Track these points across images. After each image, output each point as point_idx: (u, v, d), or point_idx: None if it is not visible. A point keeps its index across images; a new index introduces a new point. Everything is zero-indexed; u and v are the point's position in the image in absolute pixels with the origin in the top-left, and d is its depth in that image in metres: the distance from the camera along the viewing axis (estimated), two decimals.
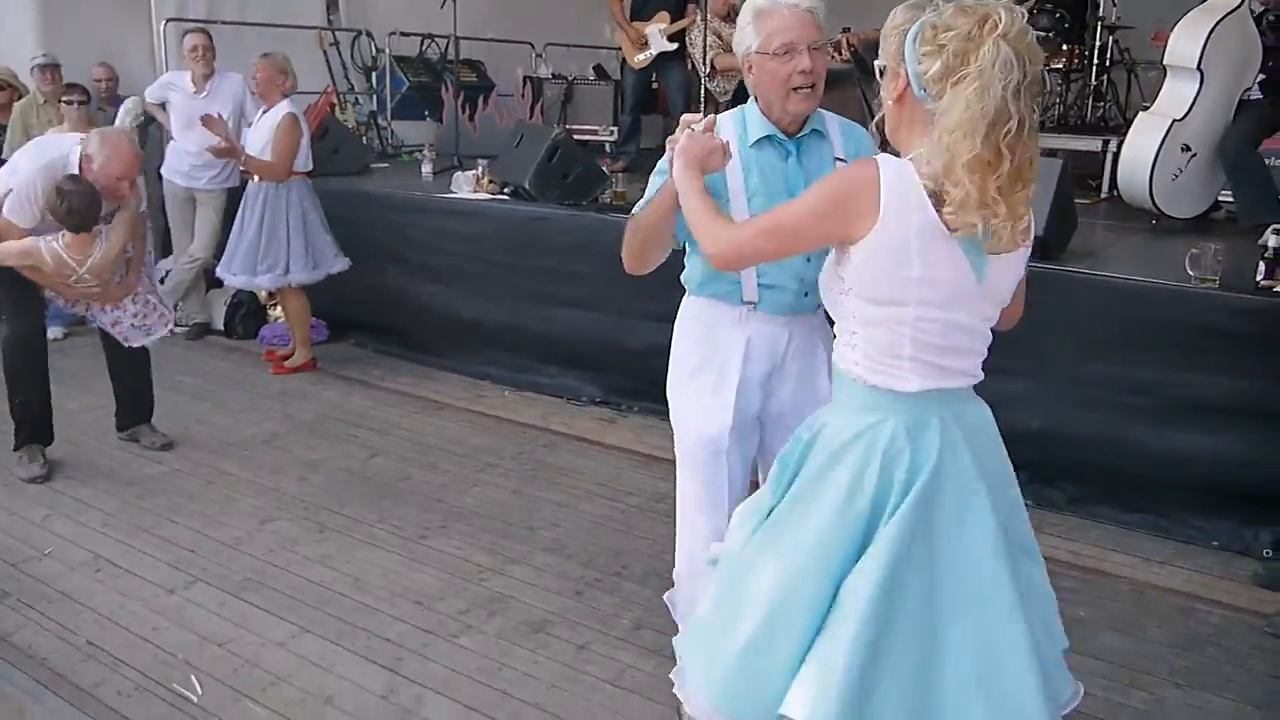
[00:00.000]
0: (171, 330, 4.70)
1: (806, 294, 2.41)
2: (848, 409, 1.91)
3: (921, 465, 1.81)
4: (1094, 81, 7.89)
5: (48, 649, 3.13)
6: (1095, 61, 7.81)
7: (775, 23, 2.30)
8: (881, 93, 1.85)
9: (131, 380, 4.70)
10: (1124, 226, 5.51)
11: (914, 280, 1.76)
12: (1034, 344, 4.04)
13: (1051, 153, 6.73)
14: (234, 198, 6.44)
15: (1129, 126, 5.80)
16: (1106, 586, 3.63)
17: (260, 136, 5.65)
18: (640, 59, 7.21)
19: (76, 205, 4.02)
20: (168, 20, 7.47)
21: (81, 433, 4.80)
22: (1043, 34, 7.51)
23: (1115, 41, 7.90)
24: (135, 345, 4.52)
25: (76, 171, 4.09)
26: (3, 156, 6.16)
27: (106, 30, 7.38)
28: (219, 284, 6.84)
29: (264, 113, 5.76)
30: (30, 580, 3.54)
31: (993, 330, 1.92)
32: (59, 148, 4.18)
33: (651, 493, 4.32)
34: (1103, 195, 6.49)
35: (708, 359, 2.51)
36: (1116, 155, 5.89)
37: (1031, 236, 1.85)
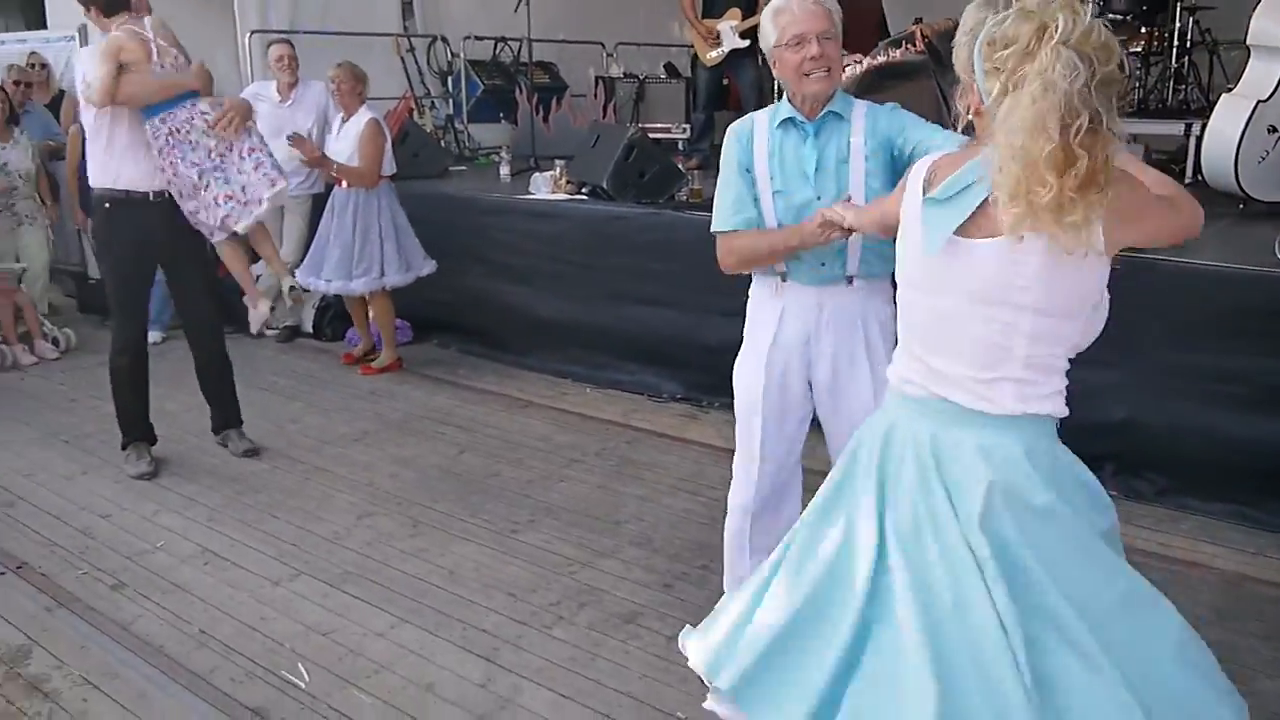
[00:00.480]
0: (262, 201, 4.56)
1: (823, 264, 2.62)
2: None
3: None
4: (1174, 64, 7.72)
5: (164, 637, 3.30)
6: (1175, 43, 7.64)
7: (787, 17, 2.58)
8: (958, 105, 1.84)
9: (216, 385, 4.84)
10: (1209, 212, 5.33)
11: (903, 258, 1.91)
12: (1119, 333, 3.97)
13: (1132, 138, 6.65)
14: (319, 203, 6.64)
15: (1212, 109, 5.69)
16: (1197, 578, 3.60)
17: (346, 144, 5.82)
18: (713, 56, 7.24)
19: None
20: (252, 32, 7.70)
21: (184, 431, 5.00)
22: (1120, 17, 7.39)
23: (1196, 22, 7.73)
24: (239, 226, 4.47)
25: None
26: None
27: (194, 42, 7.49)
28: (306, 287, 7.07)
29: (344, 120, 5.93)
30: (144, 572, 3.72)
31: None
32: None
33: None
34: (1186, 180, 6.37)
35: (752, 328, 2.79)
36: (1200, 139, 5.78)
37: (1094, 245, 1.68)
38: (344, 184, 5.86)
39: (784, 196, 2.62)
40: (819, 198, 2.57)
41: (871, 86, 5.79)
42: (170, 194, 4.35)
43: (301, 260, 6.65)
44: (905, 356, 1.90)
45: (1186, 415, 4.01)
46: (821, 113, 2.61)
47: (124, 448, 4.63)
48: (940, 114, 4.45)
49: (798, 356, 2.72)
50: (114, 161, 4.31)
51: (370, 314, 6.20)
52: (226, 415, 4.87)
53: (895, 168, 2.56)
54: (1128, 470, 4.15)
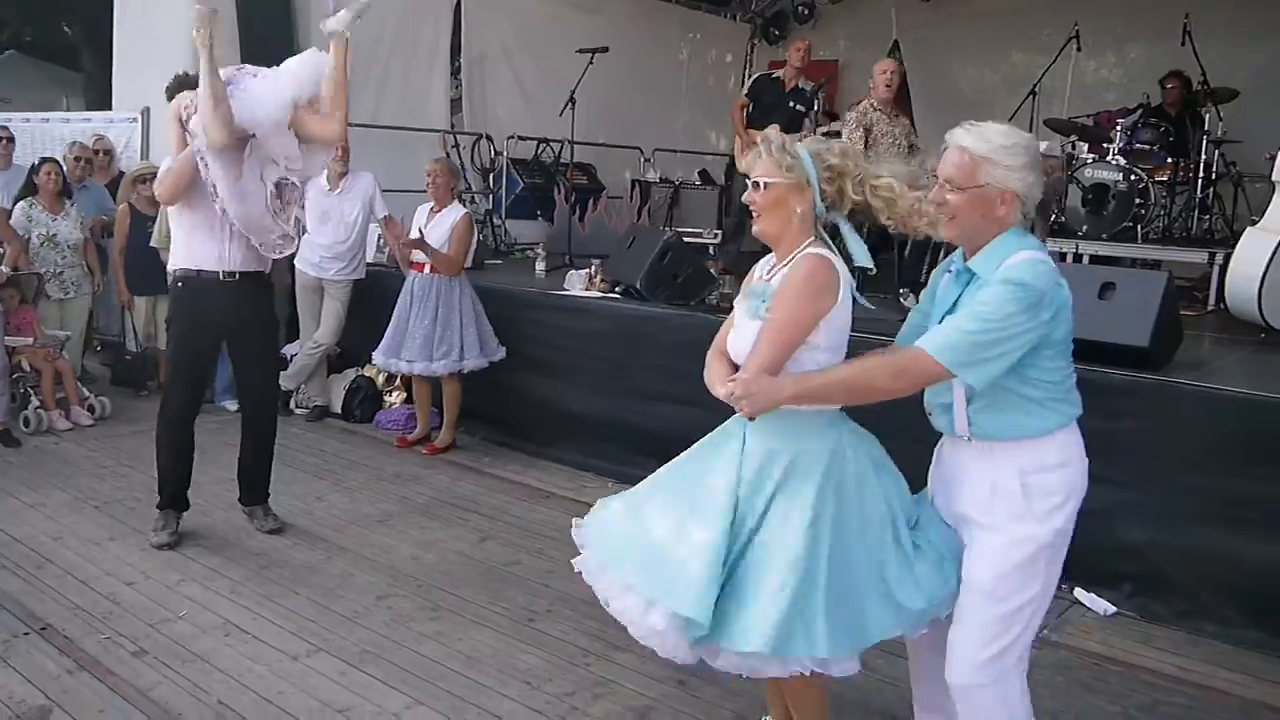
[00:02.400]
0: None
1: (930, 413, 2.64)
2: None
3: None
4: (1199, 194, 7.88)
5: (182, 705, 3.33)
6: (1201, 175, 7.82)
7: None
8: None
9: (255, 462, 4.91)
10: (1231, 339, 5.50)
11: None
12: (1140, 455, 4.07)
13: (1155, 265, 6.77)
14: (359, 289, 6.83)
15: (1236, 239, 5.81)
16: (1215, 704, 3.57)
17: (438, 233, 6.06)
18: (747, 164, 7.46)
19: None
20: None
21: (211, 504, 5.08)
22: (1146, 147, 7.59)
23: (1221, 155, 7.92)
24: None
25: None
26: (154, 245, 6.66)
27: None
28: (338, 369, 7.23)
29: (433, 211, 6.18)
30: (165, 640, 3.76)
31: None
32: None
33: None
34: (1209, 308, 6.47)
35: None
36: (1223, 268, 5.90)
37: None
38: (425, 269, 6.06)
39: None
40: None
41: None
42: (240, 275, 4.53)
43: (336, 341, 6.83)
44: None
45: (1206, 539, 4.02)
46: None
47: (158, 507, 4.72)
48: None
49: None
50: (188, 242, 4.52)
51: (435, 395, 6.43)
52: (257, 492, 4.93)
53: None
54: (1146, 592, 4.15)
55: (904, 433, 2.75)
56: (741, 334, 2.63)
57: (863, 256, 2.62)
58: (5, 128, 7.66)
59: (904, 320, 2.77)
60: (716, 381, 2.62)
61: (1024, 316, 2.31)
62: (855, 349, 2.65)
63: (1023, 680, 2.57)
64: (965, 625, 2.54)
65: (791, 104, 7.40)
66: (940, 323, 2.51)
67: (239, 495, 4.98)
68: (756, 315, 2.58)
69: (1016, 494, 2.44)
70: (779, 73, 7.64)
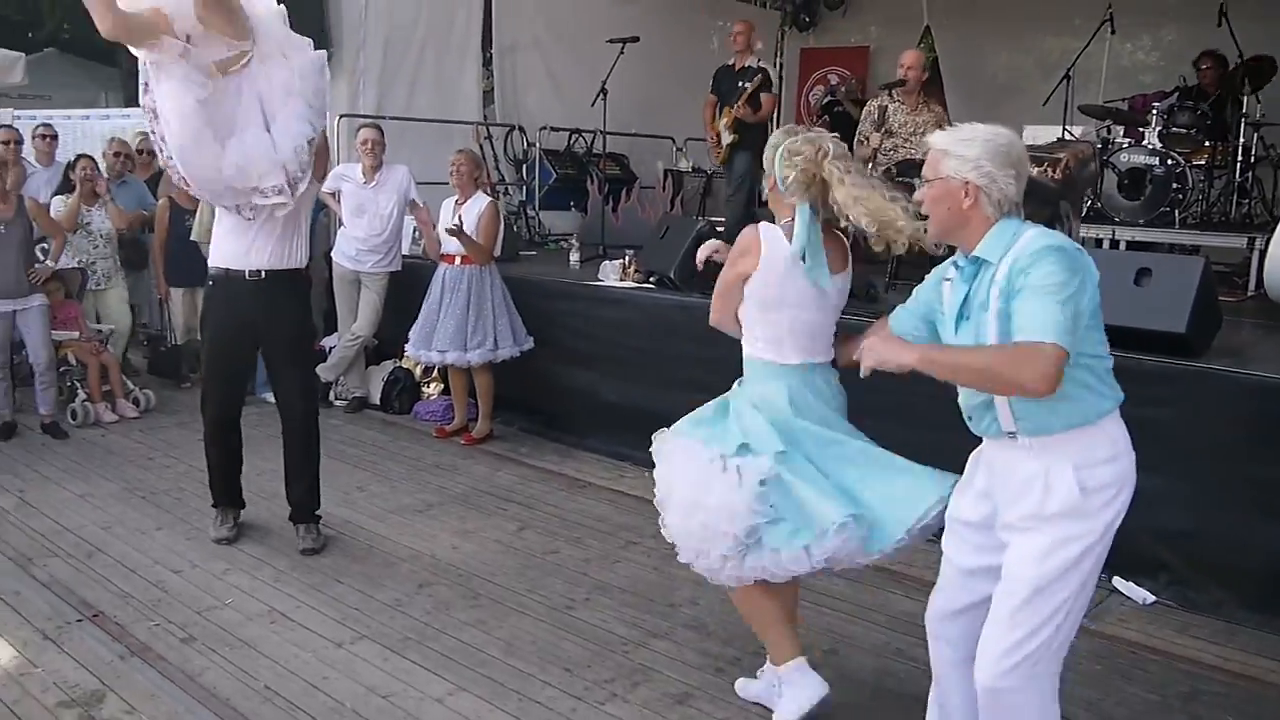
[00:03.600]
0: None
1: (969, 417, 2.62)
2: None
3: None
4: (1238, 179, 7.79)
5: (230, 690, 3.41)
6: (1239, 158, 7.73)
7: None
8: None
9: (298, 466, 4.71)
10: (1271, 325, 5.45)
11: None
12: (1178, 442, 4.05)
13: (1194, 250, 6.71)
14: (395, 281, 6.90)
15: (1276, 224, 5.75)
16: (1254, 693, 3.57)
17: (467, 225, 6.11)
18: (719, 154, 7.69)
19: None
20: (341, 115, 8.09)
21: (256, 494, 5.14)
22: (1184, 131, 7.51)
23: (1260, 138, 7.82)
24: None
25: None
26: (194, 239, 6.77)
27: None
28: (376, 361, 7.31)
29: (458, 202, 6.24)
30: (213, 627, 3.85)
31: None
32: None
33: None
34: (1249, 293, 6.41)
35: None
36: (1263, 253, 5.84)
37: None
38: (456, 261, 6.13)
39: None
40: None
41: None
42: (267, 274, 4.44)
43: (373, 332, 6.92)
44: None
45: (1245, 527, 4.01)
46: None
47: (214, 505, 4.79)
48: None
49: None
50: (220, 242, 4.51)
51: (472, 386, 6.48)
52: (300, 504, 4.73)
53: None
54: (1184, 581, 4.15)
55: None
56: None
57: (799, 239, 3.05)
58: (49, 125, 7.81)
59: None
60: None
61: (1077, 278, 2.32)
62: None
63: (1054, 685, 2.52)
64: (1000, 624, 2.48)
65: (739, 83, 7.47)
66: (957, 324, 2.51)
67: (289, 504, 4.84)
68: None
69: (1073, 490, 2.39)
70: (733, 59, 7.72)
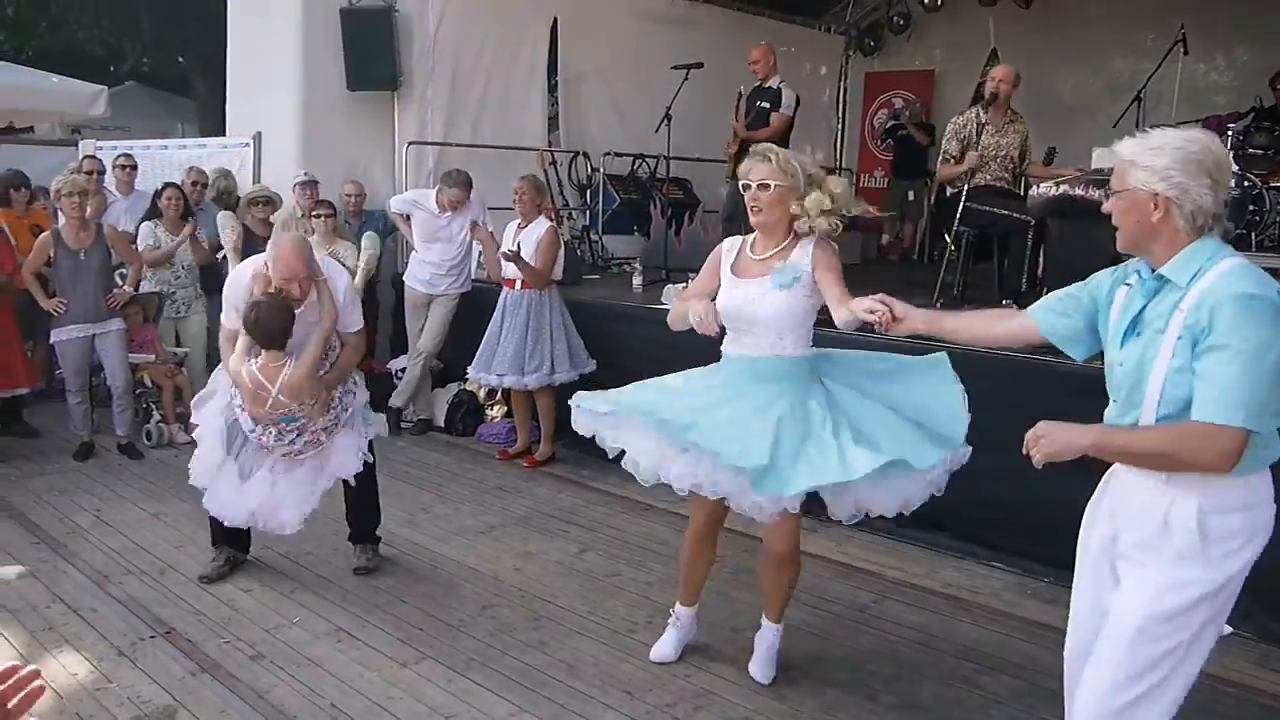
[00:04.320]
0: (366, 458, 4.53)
1: None
2: None
3: None
4: None
5: (297, 708, 3.46)
6: None
7: None
8: None
9: (356, 496, 4.71)
10: None
11: None
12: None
13: (1276, 272, 6.53)
14: (465, 301, 6.99)
15: None
16: None
17: (527, 248, 6.18)
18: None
19: (262, 316, 4.08)
20: (410, 143, 8.25)
21: (323, 515, 5.20)
22: (1259, 151, 7.33)
23: None
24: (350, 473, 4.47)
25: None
26: None
27: (357, 151, 8.20)
28: (440, 384, 7.40)
29: (520, 227, 6.31)
30: (281, 645, 3.92)
31: None
32: (255, 261, 4.41)
33: (851, 602, 4.38)
34: None
35: None
36: None
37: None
38: (516, 285, 6.21)
39: None
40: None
41: (1057, 213, 5.91)
42: None
43: (438, 348, 7.01)
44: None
45: None
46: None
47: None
48: (1117, 259, 4.61)
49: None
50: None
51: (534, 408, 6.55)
52: (357, 526, 4.77)
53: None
54: (1263, 611, 4.01)
55: None
56: (769, 299, 3.42)
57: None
58: (129, 155, 8.04)
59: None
60: (700, 315, 3.44)
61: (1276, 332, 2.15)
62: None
63: None
64: (1101, 666, 2.38)
65: (759, 103, 7.53)
66: (1125, 336, 2.39)
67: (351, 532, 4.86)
68: (787, 287, 3.40)
69: (1193, 533, 2.25)
70: (758, 82, 7.75)
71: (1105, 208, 2.43)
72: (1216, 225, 2.32)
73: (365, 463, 4.53)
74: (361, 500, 4.71)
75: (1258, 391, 2.13)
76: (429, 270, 6.93)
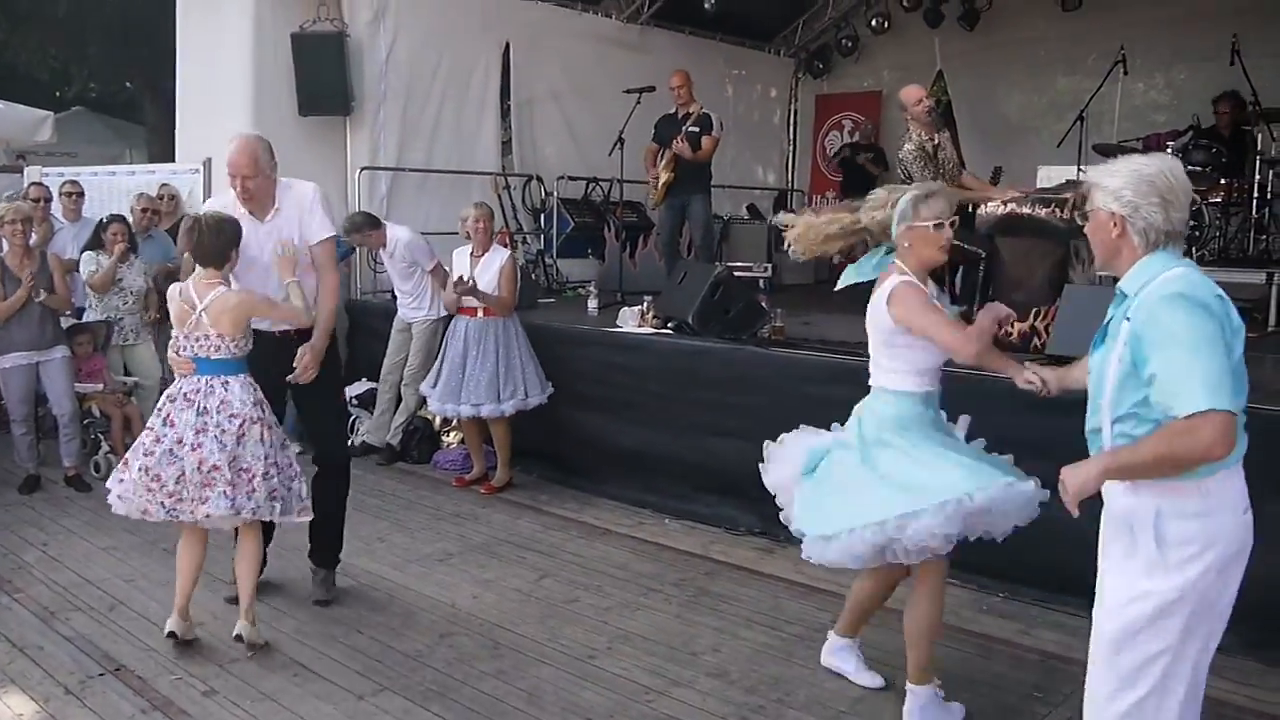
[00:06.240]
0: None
1: (1090, 442, 2.60)
2: None
3: None
4: (1254, 215, 7.78)
5: None
6: (1255, 195, 7.72)
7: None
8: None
9: (323, 514, 4.57)
10: None
11: None
12: None
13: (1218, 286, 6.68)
14: (441, 327, 6.91)
15: None
16: None
17: (485, 277, 6.17)
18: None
19: (202, 228, 4.06)
20: (362, 168, 8.21)
21: (278, 546, 5.14)
22: (1198, 168, 7.51)
23: (1276, 175, 7.80)
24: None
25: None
26: None
27: (308, 176, 8.06)
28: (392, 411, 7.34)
29: (474, 255, 6.30)
30: (235, 680, 3.85)
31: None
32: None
33: (812, 623, 4.39)
34: (1269, 329, 6.37)
35: None
36: None
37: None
38: (478, 314, 6.18)
39: None
40: None
41: (1005, 231, 5.98)
42: (294, 332, 4.43)
43: (421, 372, 6.94)
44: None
45: (1272, 566, 3.94)
46: None
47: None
48: (1064, 276, 4.72)
49: None
50: None
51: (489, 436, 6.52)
52: (320, 552, 4.72)
53: None
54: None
55: None
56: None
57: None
58: (76, 182, 7.93)
59: None
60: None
61: (1212, 325, 2.27)
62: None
63: None
64: (1093, 675, 2.49)
65: (687, 128, 7.70)
66: (1095, 346, 2.52)
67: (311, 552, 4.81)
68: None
69: (1149, 537, 2.35)
70: (674, 108, 7.94)
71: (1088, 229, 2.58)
72: (1172, 242, 2.43)
73: (344, 465, 4.64)
74: (329, 519, 4.64)
75: (1209, 373, 2.22)
76: (402, 297, 7.01)
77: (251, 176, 4.24)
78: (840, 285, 3.66)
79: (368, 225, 6.86)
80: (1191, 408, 2.20)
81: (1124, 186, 2.42)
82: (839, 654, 3.88)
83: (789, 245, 3.64)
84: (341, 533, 4.77)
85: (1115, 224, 2.44)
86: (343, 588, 4.75)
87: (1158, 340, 2.29)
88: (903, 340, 3.39)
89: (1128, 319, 2.38)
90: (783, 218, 3.72)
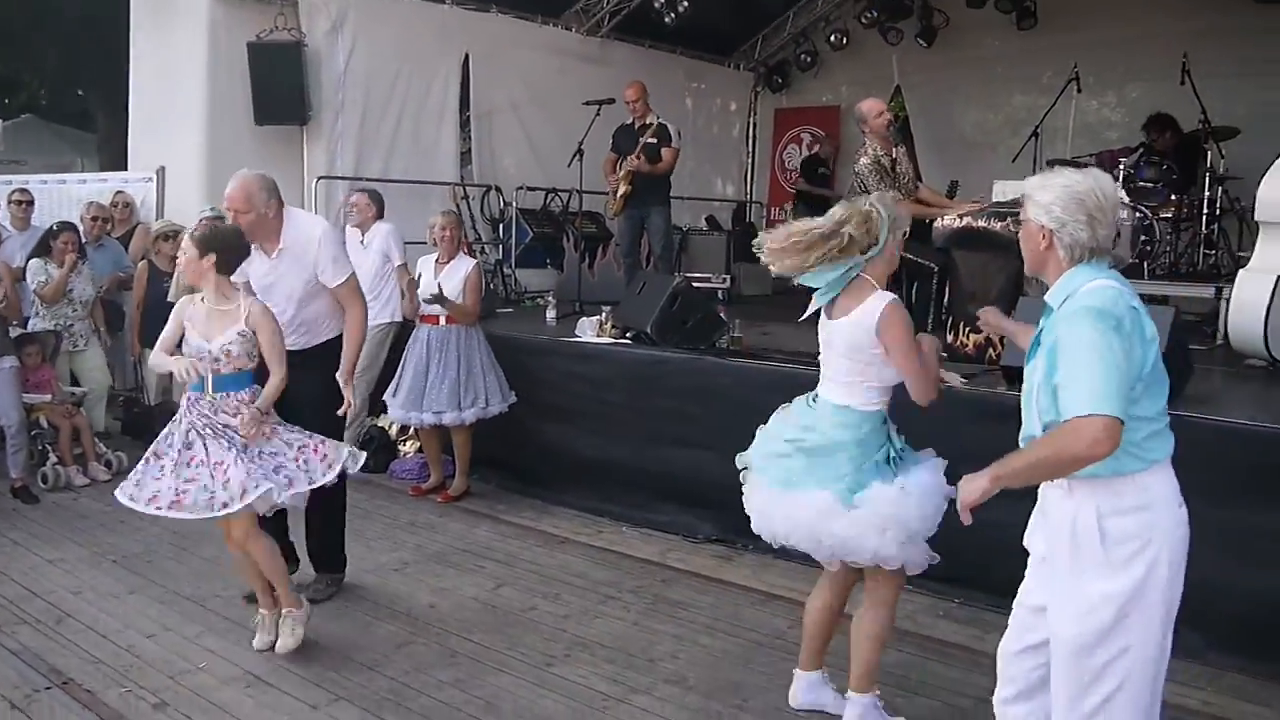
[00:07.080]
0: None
1: None
2: None
3: None
4: (1204, 230, 7.93)
5: None
6: (1205, 211, 7.87)
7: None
8: None
9: (319, 525, 4.70)
10: (1239, 372, 5.52)
11: None
12: None
13: (1163, 300, 6.80)
14: (398, 331, 6.88)
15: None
16: None
17: (450, 285, 6.14)
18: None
19: (221, 226, 4.17)
20: (319, 178, 8.15)
21: (227, 556, 5.09)
22: (1149, 185, 7.66)
23: (1225, 191, 7.97)
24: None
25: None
26: (170, 300, 6.75)
27: None
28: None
29: (439, 262, 6.26)
30: (186, 692, 3.78)
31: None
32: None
33: (770, 629, 4.40)
34: (1219, 341, 6.48)
35: None
36: (1229, 302, 5.91)
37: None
38: (440, 321, 6.15)
39: None
40: None
41: (961, 244, 6.03)
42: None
43: (373, 375, 6.86)
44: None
45: (1220, 571, 4.00)
46: None
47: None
48: (1019, 288, 4.78)
49: None
50: None
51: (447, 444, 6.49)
52: (323, 557, 4.79)
53: None
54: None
55: None
56: None
57: None
58: (26, 190, 7.80)
59: None
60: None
61: (1116, 339, 2.33)
62: None
63: None
64: (1055, 681, 2.52)
65: (645, 139, 7.81)
66: (1029, 356, 2.58)
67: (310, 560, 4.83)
68: None
69: (1094, 536, 2.40)
70: (630, 119, 8.05)
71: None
72: (1096, 257, 2.50)
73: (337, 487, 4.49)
74: (335, 515, 4.72)
75: (1098, 382, 2.29)
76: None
77: (244, 211, 4.20)
78: (812, 309, 3.55)
79: (374, 203, 6.82)
80: (1077, 411, 2.29)
81: (1054, 202, 2.50)
82: (814, 691, 3.68)
83: (768, 261, 3.46)
84: (337, 539, 4.84)
85: (1044, 237, 2.52)
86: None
87: (1064, 351, 2.38)
88: (880, 358, 3.28)
89: (1048, 330, 2.48)
90: (760, 238, 3.53)
